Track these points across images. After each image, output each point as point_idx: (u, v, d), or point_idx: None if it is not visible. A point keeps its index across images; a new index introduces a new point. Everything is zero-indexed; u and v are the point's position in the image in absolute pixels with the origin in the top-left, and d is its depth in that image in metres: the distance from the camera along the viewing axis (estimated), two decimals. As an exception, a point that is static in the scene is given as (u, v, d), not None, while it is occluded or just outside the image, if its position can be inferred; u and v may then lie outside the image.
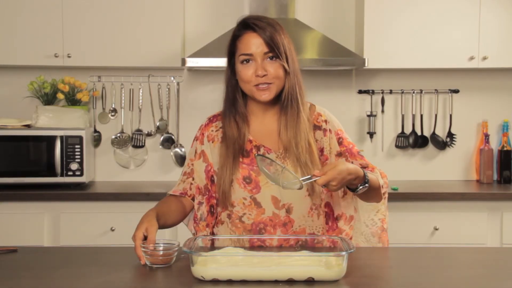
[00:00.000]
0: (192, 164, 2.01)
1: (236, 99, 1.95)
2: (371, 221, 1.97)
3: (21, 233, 3.26)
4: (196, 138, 2.04)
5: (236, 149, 1.93)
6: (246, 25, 1.88)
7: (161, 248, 1.71)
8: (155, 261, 1.69)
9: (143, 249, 1.69)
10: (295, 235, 1.91)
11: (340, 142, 1.99)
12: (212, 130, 2.01)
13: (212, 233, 2.02)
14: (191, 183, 2.01)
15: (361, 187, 1.79)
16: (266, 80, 1.87)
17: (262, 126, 1.98)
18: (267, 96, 1.88)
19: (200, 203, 1.99)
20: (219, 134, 1.99)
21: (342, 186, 1.76)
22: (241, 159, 1.93)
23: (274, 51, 1.85)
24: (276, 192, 1.91)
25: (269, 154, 1.93)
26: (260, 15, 1.93)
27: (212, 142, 2.00)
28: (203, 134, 2.02)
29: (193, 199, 2.01)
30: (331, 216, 2.00)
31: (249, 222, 1.92)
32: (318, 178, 1.70)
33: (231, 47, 1.92)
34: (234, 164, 1.91)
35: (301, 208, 1.93)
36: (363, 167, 1.92)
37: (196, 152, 2.02)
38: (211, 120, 2.04)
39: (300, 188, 1.73)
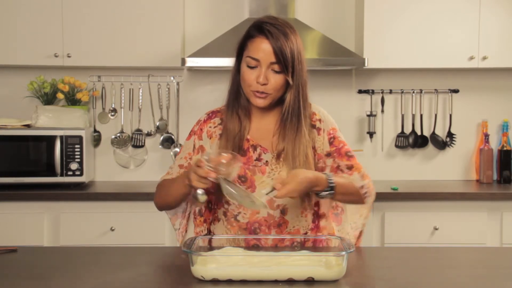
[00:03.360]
0: (190, 159, 2.00)
1: (240, 93, 1.95)
2: (355, 224, 2.01)
3: (21, 233, 3.26)
4: (194, 133, 2.03)
5: (236, 142, 1.93)
6: (261, 29, 1.86)
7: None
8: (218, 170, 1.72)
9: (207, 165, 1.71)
10: (291, 235, 1.92)
11: (331, 142, 1.99)
12: (211, 127, 2.01)
13: (209, 230, 2.02)
14: None
15: (325, 193, 1.83)
16: (264, 89, 1.86)
17: (260, 126, 1.98)
18: (261, 103, 1.89)
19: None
20: (217, 131, 1.99)
21: (301, 195, 1.81)
22: None
23: (280, 62, 1.84)
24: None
25: (265, 154, 1.94)
26: (276, 19, 1.90)
27: (210, 138, 1.99)
28: (201, 129, 2.01)
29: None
30: (318, 215, 2.01)
31: (244, 221, 1.92)
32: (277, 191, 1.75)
33: (242, 44, 1.91)
34: None
35: (295, 209, 1.94)
36: (349, 167, 1.95)
37: (194, 147, 2.01)
38: (210, 116, 2.03)
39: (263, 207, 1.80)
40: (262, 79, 1.85)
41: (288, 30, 1.87)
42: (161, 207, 2.03)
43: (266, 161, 1.93)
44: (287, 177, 1.77)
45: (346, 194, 1.89)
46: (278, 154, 1.93)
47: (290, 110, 1.91)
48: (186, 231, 2.03)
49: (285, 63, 1.84)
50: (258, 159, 1.94)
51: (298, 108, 1.91)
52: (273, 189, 1.76)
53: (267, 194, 1.79)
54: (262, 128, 1.97)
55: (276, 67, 1.85)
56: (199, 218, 2.00)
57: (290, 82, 1.87)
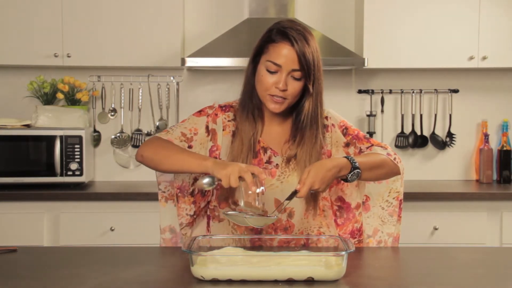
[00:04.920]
0: (195, 134, 1.94)
1: (253, 95, 1.92)
2: (386, 202, 2.00)
3: (21, 233, 3.26)
4: (207, 114, 1.97)
5: (251, 144, 1.91)
6: (285, 34, 1.83)
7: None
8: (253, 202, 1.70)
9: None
10: (295, 236, 1.92)
11: (345, 132, 1.99)
12: (225, 118, 1.97)
13: (208, 221, 2.01)
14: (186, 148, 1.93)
15: (350, 174, 1.80)
16: (282, 95, 1.84)
17: (271, 128, 1.96)
18: (277, 108, 1.87)
19: (195, 179, 1.95)
20: (231, 126, 1.96)
21: (328, 184, 1.77)
22: None
23: (303, 70, 1.82)
24: (279, 196, 1.90)
25: (275, 157, 1.93)
26: (298, 24, 1.87)
27: (223, 130, 1.96)
28: (216, 114, 1.97)
29: None
30: (346, 209, 2.00)
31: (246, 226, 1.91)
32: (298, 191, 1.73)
33: (262, 47, 1.87)
34: (248, 160, 1.89)
35: (300, 212, 1.94)
36: (368, 148, 1.96)
37: (207, 128, 1.95)
38: (223, 108, 1.99)
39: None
40: (282, 85, 1.82)
41: (309, 36, 1.85)
42: (146, 162, 1.90)
43: (277, 164, 1.92)
44: (302, 174, 1.75)
45: (373, 168, 1.86)
46: (288, 158, 1.92)
47: (310, 117, 1.90)
48: (175, 201, 1.98)
49: (308, 71, 1.83)
50: (268, 161, 1.93)
51: (316, 116, 1.90)
52: (293, 192, 1.74)
53: (290, 200, 1.76)
54: (273, 131, 1.96)
55: (297, 74, 1.83)
56: (188, 196, 1.97)
57: (311, 90, 1.86)
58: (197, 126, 1.95)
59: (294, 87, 1.84)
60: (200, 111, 2.00)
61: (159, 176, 2.00)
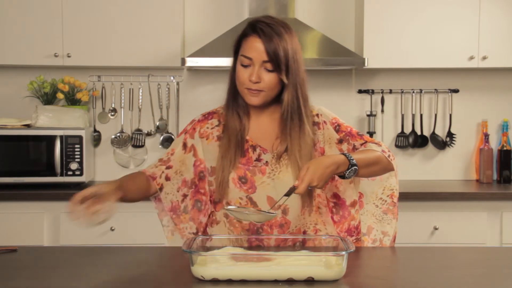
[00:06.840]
0: (172, 154, 1.99)
1: (238, 92, 1.94)
2: (380, 200, 2.00)
3: (21, 233, 3.26)
4: (185, 131, 2.02)
5: (238, 140, 1.92)
6: (254, 27, 1.86)
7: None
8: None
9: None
10: (293, 235, 1.92)
11: (337, 129, 1.99)
12: (207, 127, 2.00)
13: (204, 230, 2.01)
14: (163, 171, 1.97)
15: (347, 171, 1.80)
16: (257, 87, 1.86)
17: (258, 125, 1.97)
18: (255, 100, 1.89)
19: (184, 196, 1.98)
20: (215, 132, 1.98)
21: (326, 181, 1.77)
22: None
23: (273, 61, 1.84)
24: (271, 193, 1.90)
25: (265, 154, 1.93)
26: (272, 18, 1.90)
27: (206, 139, 1.98)
28: (194, 128, 2.01)
29: (160, 188, 1.97)
30: (341, 205, 2.00)
31: (247, 221, 1.92)
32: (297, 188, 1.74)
33: (237, 44, 1.91)
34: (236, 156, 1.91)
35: (296, 208, 1.94)
36: (362, 144, 1.95)
37: (185, 145, 1.99)
38: (206, 117, 2.03)
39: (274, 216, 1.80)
40: (255, 77, 1.85)
41: (282, 29, 1.86)
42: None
43: (266, 162, 1.92)
44: (301, 171, 1.75)
45: (369, 165, 1.87)
46: (279, 154, 1.92)
47: (290, 109, 1.90)
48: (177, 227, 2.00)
49: (278, 62, 1.84)
50: (258, 159, 1.93)
51: (298, 108, 1.90)
52: (292, 188, 1.75)
53: (288, 196, 1.76)
54: (261, 128, 1.97)
55: (268, 65, 1.85)
56: (184, 215, 1.98)
57: (285, 81, 1.87)
58: (174, 147, 2.02)
59: (269, 78, 1.86)
60: (181, 131, 2.05)
61: (160, 212, 2.04)
